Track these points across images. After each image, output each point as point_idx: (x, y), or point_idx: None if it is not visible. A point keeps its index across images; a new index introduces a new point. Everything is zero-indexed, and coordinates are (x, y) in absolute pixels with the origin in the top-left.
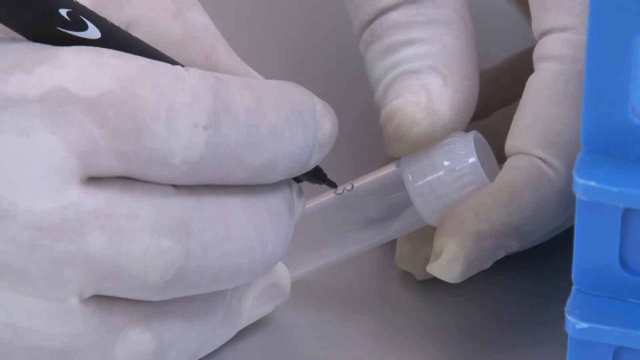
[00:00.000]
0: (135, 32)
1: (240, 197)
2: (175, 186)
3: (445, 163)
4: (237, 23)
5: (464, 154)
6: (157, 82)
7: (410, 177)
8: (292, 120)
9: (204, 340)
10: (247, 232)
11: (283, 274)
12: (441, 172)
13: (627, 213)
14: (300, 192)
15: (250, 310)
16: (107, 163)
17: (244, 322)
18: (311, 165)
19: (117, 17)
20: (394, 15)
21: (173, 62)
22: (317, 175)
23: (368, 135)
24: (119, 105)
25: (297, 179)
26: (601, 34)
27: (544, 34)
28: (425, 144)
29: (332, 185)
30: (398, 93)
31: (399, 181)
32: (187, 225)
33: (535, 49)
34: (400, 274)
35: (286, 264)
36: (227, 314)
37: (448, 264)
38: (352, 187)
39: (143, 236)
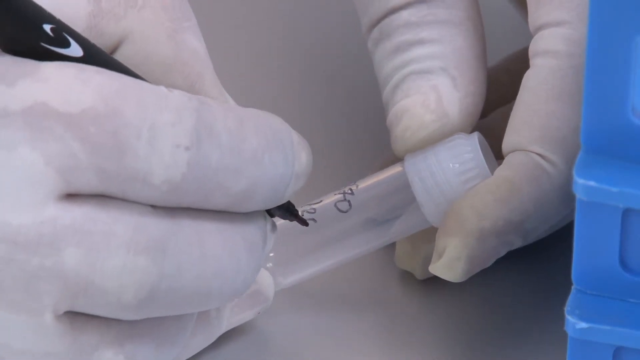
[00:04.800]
0: (127, 47)
1: (216, 223)
2: (152, 206)
3: (452, 162)
4: (244, 20)
5: (470, 154)
6: (141, 99)
7: (416, 176)
8: (272, 145)
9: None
10: (221, 256)
11: (266, 282)
12: (448, 172)
13: (627, 213)
14: (274, 227)
15: (229, 316)
16: (87, 179)
17: (223, 328)
18: (287, 196)
19: (112, 29)
20: (404, 15)
21: None
22: (289, 211)
23: (372, 134)
24: (101, 122)
25: (270, 214)
26: (601, 33)
27: (539, 28)
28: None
29: (304, 223)
30: (407, 93)
31: (404, 181)
32: (163, 244)
33: (531, 44)
34: (400, 273)
35: (288, 268)
36: (206, 320)
37: (450, 263)
38: (357, 187)
39: (119, 254)
